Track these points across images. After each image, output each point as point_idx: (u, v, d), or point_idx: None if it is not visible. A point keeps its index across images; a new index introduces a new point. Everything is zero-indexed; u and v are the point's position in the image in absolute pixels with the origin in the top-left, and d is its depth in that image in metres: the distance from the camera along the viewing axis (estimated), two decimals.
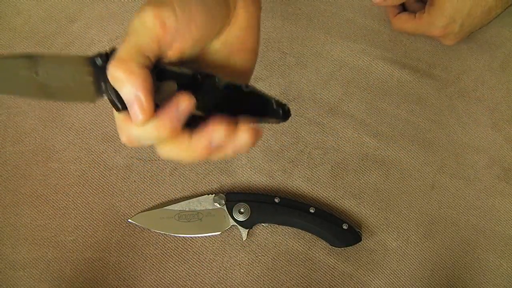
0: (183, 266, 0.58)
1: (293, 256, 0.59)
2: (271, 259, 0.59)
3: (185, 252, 0.59)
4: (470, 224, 0.60)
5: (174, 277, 0.58)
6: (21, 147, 0.62)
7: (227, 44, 0.41)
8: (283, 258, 0.59)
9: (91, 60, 0.37)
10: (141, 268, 0.58)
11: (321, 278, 0.58)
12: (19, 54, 0.36)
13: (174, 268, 0.58)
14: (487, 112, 0.65)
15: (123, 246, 0.59)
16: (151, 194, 0.61)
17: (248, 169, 0.62)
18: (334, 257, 0.59)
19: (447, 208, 0.61)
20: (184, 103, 0.36)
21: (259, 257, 0.59)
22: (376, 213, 0.60)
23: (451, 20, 0.60)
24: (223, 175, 0.61)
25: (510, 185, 0.62)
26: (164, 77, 0.37)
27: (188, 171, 0.61)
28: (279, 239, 0.59)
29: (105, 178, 0.61)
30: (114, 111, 0.38)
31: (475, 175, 0.62)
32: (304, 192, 0.61)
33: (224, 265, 0.58)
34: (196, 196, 0.60)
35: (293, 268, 0.58)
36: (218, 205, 0.59)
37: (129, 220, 0.59)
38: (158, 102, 0.36)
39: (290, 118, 0.41)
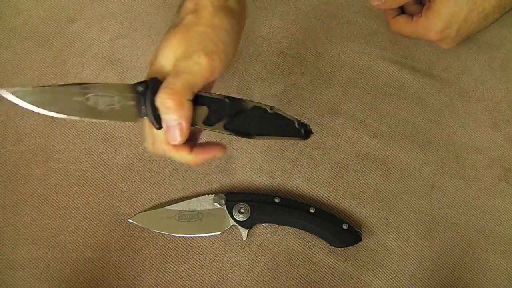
0: (183, 266, 0.58)
1: (293, 256, 0.59)
2: (271, 259, 0.59)
3: (185, 252, 0.59)
4: (470, 224, 0.60)
5: (174, 277, 0.58)
6: (21, 147, 0.62)
7: None
8: (283, 258, 0.59)
9: (134, 87, 0.44)
10: (141, 268, 0.58)
11: (321, 278, 0.58)
12: (73, 83, 0.44)
13: (174, 268, 0.58)
14: (487, 112, 0.65)
15: (123, 246, 0.59)
16: (151, 194, 0.61)
17: (248, 169, 0.62)
18: (334, 257, 0.59)
19: (447, 208, 0.61)
20: (219, 154, 0.48)
21: (259, 257, 0.59)
22: (376, 213, 0.60)
23: (447, 25, 0.60)
24: (223, 175, 0.61)
25: (510, 185, 0.62)
26: (197, 102, 0.45)
27: (188, 171, 0.61)
28: (279, 239, 0.59)
29: (105, 178, 0.61)
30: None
31: (475, 175, 0.62)
32: (304, 192, 0.61)
33: (224, 265, 0.58)
34: (196, 196, 0.60)
35: (293, 268, 0.58)
36: (218, 205, 0.59)
37: (129, 220, 0.59)
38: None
39: (311, 136, 0.46)
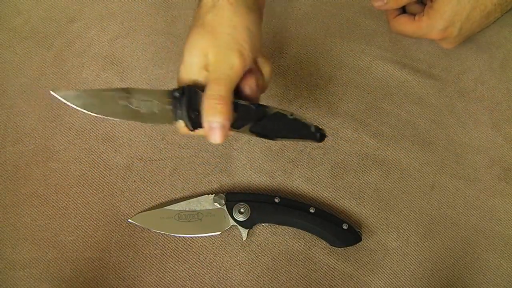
0: (183, 266, 0.58)
1: (293, 256, 0.59)
2: (271, 259, 0.59)
3: (185, 252, 0.59)
4: (470, 224, 0.60)
5: (174, 277, 0.58)
6: (21, 147, 0.62)
7: None
8: (283, 258, 0.59)
9: (171, 93, 0.49)
10: (141, 268, 0.58)
11: (321, 278, 0.58)
12: (117, 88, 0.49)
13: (174, 268, 0.58)
14: (487, 112, 0.65)
15: (123, 246, 0.59)
16: (151, 194, 0.61)
17: (248, 169, 0.62)
18: (334, 257, 0.59)
19: (447, 208, 0.61)
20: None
21: (259, 257, 0.59)
22: (376, 213, 0.60)
23: (450, 24, 0.60)
24: (223, 175, 0.61)
25: (510, 185, 0.62)
26: None
27: (188, 171, 0.61)
28: (279, 239, 0.59)
29: (105, 178, 0.61)
30: None
31: (475, 175, 0.62)
32: (304, 192, 0.61)
33: (224, 265, 0.58)
34: (196, 196, 0.60)
35: (293, 268, 0.58)
36: (218, 205, 0.59)
37: (129, 220, 0.59)
38: None
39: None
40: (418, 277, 0.58)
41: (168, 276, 0.58)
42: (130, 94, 0.49)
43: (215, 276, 0.58)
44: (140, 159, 0.62)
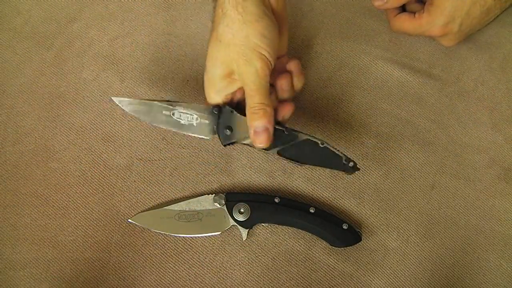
0: (183, 266, 0.58)
1: (293, 256, 0.59)
2: (271, 259, 0.59)
3: (185, 252, 0.59)
4: (470, 224, 0.60)
5: (174, 277, 0.58)
6: (21, 147, 0.62)
7: None
8: (283, 258, 0.59)
9: (210, 110, 0.55)
10: (141, 268, 0.58)
11: (321, 278, 0.58)
12: (165, 100, 0.56)
13: (174, 268, 0.58)
14: (487, 112, 0.65)
15: (123, 246, 0.59)
16: (151, 194, 0.61)
17: (248, 169, 0.62)
18: (334, 257, 0.59)
19: (447, 208, 0.61)
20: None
21: (259, 257, 0.59)
22: (376, 213, 0.60)
23: (450, 19, 0.60)
24: (223, 175, 0.61)
25: (510, 185, 0.62)
26: None
27: (188, 171, 0.61)
28: (279, 239, 0.59)
29: (105, 178, 0.61)
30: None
31: (475, 175, 0.62)
32: (304, 192, 0.61)
33: (224, 265, 0.58)
34: (196, 196, 0.60)
35: (293, 268, 0.58)
36: (218, 205, 0.59)
37: (129, 220, 0.59)
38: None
39: (357, 172, 0.54)
40: (418, 277, 0.58)
41: (168, 276, 0.58)
42: (174, 107, 0.55)
43: (215, 276, 0.58)
44: (140, 159, 0.62)
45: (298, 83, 0.57)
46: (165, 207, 0.59)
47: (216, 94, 0.54)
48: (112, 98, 0.57)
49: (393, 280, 0.58)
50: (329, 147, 0.53)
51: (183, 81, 0.66)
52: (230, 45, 0.51)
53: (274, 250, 0.59)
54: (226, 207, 0.59)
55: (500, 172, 0.62)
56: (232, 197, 0.59)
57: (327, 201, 0.61)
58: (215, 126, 0.55)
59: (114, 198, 0.60)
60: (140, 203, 0.60)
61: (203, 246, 0.59)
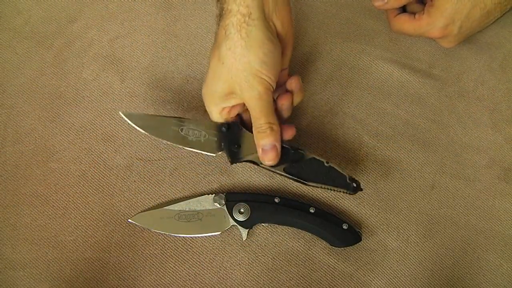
0: (183, 266, 0.58)
1: (293, 256, 0.59)
2: (271, 259, 0.59)
3: (185, 252, 0.59)
4: (470, 224, 0.60)
5: (174, 277, 0.58)
6: (21, 147, 0.62)
7: None
8: (283, 258, 0.59)
9: (218, 127, 0.56)
10: (141, 268, 0.58)
11: (321, 278, 0.58)
12: (174, 116, 0.58)
13: (174, 268, 0.58)
14: (487, 112, 0.65)
15: (123, 246, 0.59)
16: (151, 194, 0.61)
17: (248, 169, 0.62)
18: (334, 257, 0.59)
19: (447, 208, 0.61)
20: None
21: (259, 257, 0.59)
22: (376, 213, 0.60)
23: (450, 21, 0.60)
24: (223, 175, 0.61)
25: (510, 185, 0.62)
26: None
27: (188, 171, 0.61)
28: (279, 239, 0.59)
29: (105, 178, 0.61)
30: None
31: (475, 175, 0.62)
32: (304, 192, 0.61)
33: (224, 265, 0.58)
34: (196, 196, 0.60)
35: (293, 268, 0.58)
36: (218, 205, 0.59)
37: (129, 220, 0.59)
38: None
39: (359, 192, 0.55)
40: (418, 277, 0.58)
41: (168, 276, 0.58)
42: (183, 123, 0.57)
43: (215, 276, 0.58)
44: (140, 159, 0.62)
45: (297, 98, 0.58)
46: (165, 207, 0.59)
47: (215, 107, 0.55)
48: (120, 113, 0.57)
49: (393, 280, 0.58)
50: (334, 166, 0.55)
51: (183, 81, 0.66)
52: (232, 69, 0.52)
53: (274, 250, 0.59)
54: (226, 207, 0.59)
55: (500, 172, 0.62)
56: (232, 197, 0.59)
57: (327, 201, 0.61)
58: (222, 144, 0.56)
59: (114, 198, 0.60)
60: (140, 203, 0.60)
61: (203, 246, 0.59)
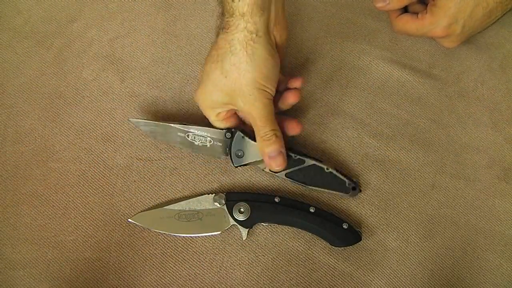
0: (183, 265, 0.58)
1: (293, 256, 0.59)
2: (271, 259, 0.59)
3: (185, 252, 0.59)
4: (470, 224, 0.60)
5: (174, 277, 0.58)
6: (21, 147, 0.62)
7: None
8: (283, 258, 0.59)
9: (223, 133, 0.59)
10: (141, 268, 0.58)
11: (321, 278, 0.58)
12: (180, 122, 0.60)
13: (174, 268, 0.58)
14: (487, 112, 0.65)
15: (123, 246, 0.59)
16: (151, 194, 0.61)
17: (248, 169, 0.62)
18: (334, 257, 0.59)
19: (447, 208, 0.61)
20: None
21: (259, 256, 0.59)
22: (376, 213, 0.60)
23: (453, 20, 0.60)
24: (223, 175, 0.61)
25: (510, 185, 0.62)
26: None
27: (188, 171, 0.61)
28: (279, 239, 0.59)
29: (105, 178, 0.61)
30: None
31: (475, 175, 0.62)
32: (304, 192, 0.61)
33: (224, 265, 0.58)
34: (196, 196, 0.60)
35: (293, 268, 0.58)
36: (218, 205, 0.59)
37: (129, 220, 0.59)
38: None
39: (358, 193, 0.59)
40: (418, 277, 0.58)
41: (168, 276, 0.58)
42: (189, 129, 0.59)
43: (215, 276, 0.58)
44: (140, 159, 0.62)
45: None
46: (165, 207, 0.59)
47: (211, 111, 0.57)
48: (129, 119, 0.61)
49: (393, 280, 0.58)
50: (334, 171, 0.58)
51: (183, 81, 0.66)
52: (236, 83, 0.53)
53: (274, 250, 0.59)
54: (226, 207, 0.59)
55: (500, 172, 0.62)
56: (232, 197, 0.59)
57: (327, 201, 0.61)
58: (227, 149, 0.58)
59: (114, 198, 0.60)
60: (140, 203, 0.60)
61: (203, 245, 0.59)
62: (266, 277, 0.58)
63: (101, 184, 0.61)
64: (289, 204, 0.58)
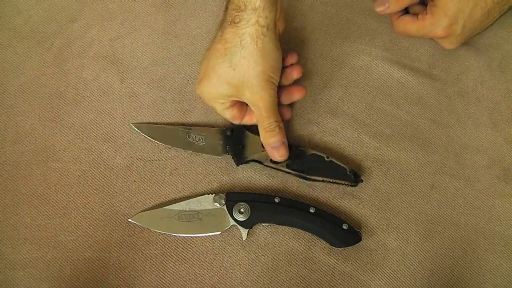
0: (183, 266, 0.58)
1: (293, 256, 0.59)
2: (271, 259, 0.59)
3: (185, 252, 0.59)
4: (470, 224, 0.60)
5: (174, 277, 0.58)
6: (21, 147, 0.62)
7: None
8: (283, 258, 0.59)
9: (223, 131, 0.61)
10: (141, 268, 0.58)
11: (321, 278, 0.58)
12: (181, 124, 0.62)
13: (174, 268, 0.58)
14: (487, 112, 0.65)
15: (123, 246, 0.59)
16: (151, 194, 0.61)
17: (248, 169, 0.62)
18: (334, 257, 0.59)
19: (447, 208, 0.61)
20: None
21: (259, 257, 0.59)
22: (376, 213, 0.60)
23: (453, 21, 0.61)
24: (223, 175, 0.61)
25: (510, 185, 0.62)
26: None
27: (188, 171, 0.61)
28: (279, 239, 0.59)
29: (105, 178, 0.61)
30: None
31: (475, 175, 0.62)
32: (304, 192, 0.61)
33: (224, 265, 0.58)
34: (196, 196, 0.60)
35: (293, 268, 0.58)
36: (218, 205, 0.59)
37: (129, 220, 0.59)
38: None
39: (360, 183, 0.59)
40: (418, 277, 0.58)
41: (168, 276, 0.58)
42: (189, 130, 0.61)
43: (215, 276, 0.58)
44: (140, 159, 0.62)
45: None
46: (165, 207, 0.59)
47: (217, 103, 0.58)
48: (131, 124, 0.62)
49: (393, 280, 0.58)
50: (334, 160, 0.59)
51: (183, 81, 0.66)
52: (245, 76, 0.54)
53: (274, 250, 0.59)
54: (226, 207, 0.59)
55: (500, 172, 0.62)
56: (232, 197, 0.59)
57: (327, 201, 0.61)
58: (227, 146, 0.60)
59: (114, 198, 0.60)
60: (140, 203, 0.60)
61: (203, 246, 0.59)
62: (266, 277, 0.58)
63: (101, 184, 0.61)
64: (289, 204, 0.58)
